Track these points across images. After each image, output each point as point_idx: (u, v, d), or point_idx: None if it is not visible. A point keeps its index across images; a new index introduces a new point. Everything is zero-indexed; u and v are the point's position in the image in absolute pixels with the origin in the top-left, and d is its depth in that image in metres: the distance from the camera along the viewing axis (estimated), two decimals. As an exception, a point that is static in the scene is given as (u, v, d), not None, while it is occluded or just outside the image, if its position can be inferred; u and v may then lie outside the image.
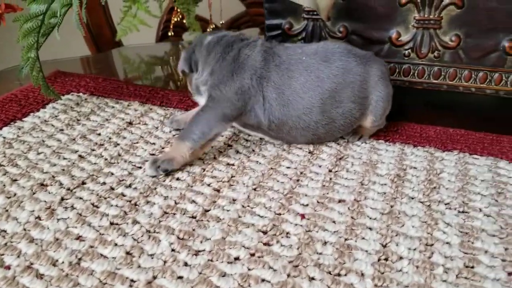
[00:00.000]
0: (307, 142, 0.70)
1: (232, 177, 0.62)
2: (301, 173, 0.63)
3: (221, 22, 1.47)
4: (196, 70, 0.72)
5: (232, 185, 0.60)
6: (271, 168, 0.64)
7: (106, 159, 0.65)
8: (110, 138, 0.71)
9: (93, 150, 0.68)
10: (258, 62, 0.66)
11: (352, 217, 0.54)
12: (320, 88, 0.65)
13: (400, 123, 0.77)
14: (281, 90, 0.65)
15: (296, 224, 0.53)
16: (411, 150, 0.70)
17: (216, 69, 0.68)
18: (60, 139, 0.70)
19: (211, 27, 1.29)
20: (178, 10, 1.19)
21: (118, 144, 0.70)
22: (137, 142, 0.70)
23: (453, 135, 0.74)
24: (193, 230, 0.52)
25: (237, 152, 0.69)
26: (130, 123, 0.77)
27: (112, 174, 0.62)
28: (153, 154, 0.68)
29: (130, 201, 0.56)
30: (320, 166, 0.65)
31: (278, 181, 0.61)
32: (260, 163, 0.66)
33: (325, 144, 0.71)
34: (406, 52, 0.81)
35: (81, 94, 0.88)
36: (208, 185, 0.60)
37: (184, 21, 1.10)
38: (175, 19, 1.17)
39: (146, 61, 1.24)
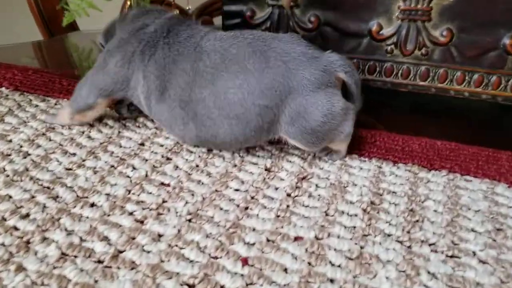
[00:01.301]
0: (195, 143, 0.58)
1: (163, 202, 0.49)
2: (252, 197, 0.50)
3: (188, 8, 1.32)
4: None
5: (160, 215, 0.47)
6: (216, 191, 0.51)
7: (7, 176, 0.52)
8: (21, 147, 0.58)
9: (-6, 162, 0.54)
10: (147, 35, 0.58)
11: (309, 263, 0.42)
12: (205, 80, 0.53)
13: (378, 132, 0.64)
14: (161, 73, 0.55)
15: (235, 273, 0.40)
16: (390, 168, 0.58)
17: (116, 36, 0.60)
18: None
19: (175, 12, 1.14)
20: None
21: (29, 155, 0.56)
22: (53, 152, 0.57)
23: (441, 149, 0.61)
24: (96, 282, 0.38)
25: (176, 167, 0.55)
26: (51, 128, 0.63)
27: (10, 197, 0.48)
28: (69, 169, 0.54)
29: (21, 237, 0.42)
30: (276, 189, 0.52)
31: (221, 209, 0.48)
32: (202, 183, 0.53)
33: (286, 159, 0.58)
34: (389, 48, 0.68)
35: (3, 88, 0.74)
36: (130, 213, 0.47)
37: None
38: (129, 2, 1.02)
39: (97, 49, 1.10)
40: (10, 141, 0.59)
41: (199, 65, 0.54)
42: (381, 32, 0.67)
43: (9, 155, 0.56)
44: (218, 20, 1.56)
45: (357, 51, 0.66)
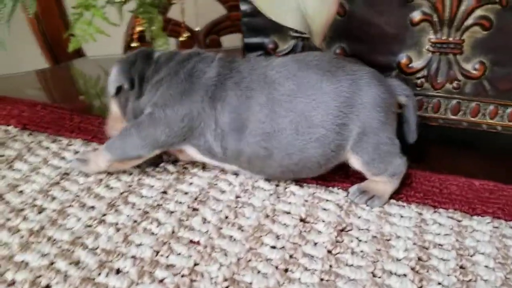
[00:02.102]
0: (276, 175, 0.57)
1: (195, 265, 0.45)
2: (291, 256, 0.47)
3: (197, 29, 1.29)
4: (138, 87, 0.58)
5: (194, 281, 0.43)
6: (250, 249, 0.47)
7: (22, 237, 0.48)
8: (34, 200, 0.53)
9: (8, 220, 0.50)
10: (212, 80, 0.55)
11: None
12: (284, 109, 0.53)
13: (413, 172, 0.61)
14: (237, 113, 0.54)
15: None
16: (431, 215, 0.54)
17: (165, 86, 0.57)
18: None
19: (185, 35, 1.11)
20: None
21: (44, 210, 0.52)
22: (69, 206, 0.53)
23: (480, 190, 0.58)
24: None
25: (205, 220, 0.52)
26: (66, 174, 0.59)
27: (27, 265, 0.44)
28: (89, 226, 0.50)
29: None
30: (315, 244, 0.49)
31: (259, 272, 0.45)
32: (235, 239, 0.49)
33: (321, 207, 0.54)
34: (419, 81, 0.65)
35: (10, 127, 0.70)
36: (161, 281, 0.43)
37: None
38: (139, 29, 0.98)
39: (105, 77, 1.06)
40: (22, 192, 0.55)
41: (274, 95, 0.54)
42: (410, 65, 0.64)
43: (23, 210, 0.52)
44: (225, 40, 1.53)
45: (384, 85, 0.62)
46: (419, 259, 0.47)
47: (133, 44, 1.08)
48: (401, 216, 0.54)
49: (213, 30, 1.58)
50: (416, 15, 0.61)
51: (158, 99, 0.56)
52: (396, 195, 0.57)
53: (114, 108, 0.61)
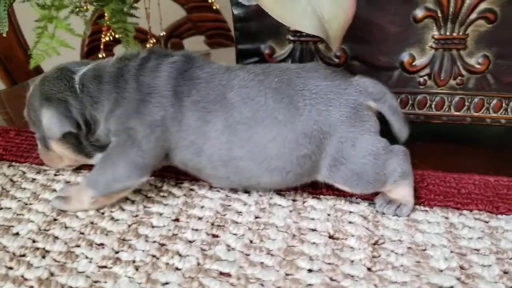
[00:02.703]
0: (240, 188, 0.56)
1: (233, 301, 0.41)
2: (332, 279, 0.44)
3: (161, 34, 1.23)
4: (85, 126, 0.53)
5: (237, 320, 0.39)
6: (286, 275, 0.44)
7: (30, 288, 0.42)
8: (34, 242, 0.47)
9: (10, 269, 0.44)
10: (166, 98, 0.50)
11: None
12: (239, 138, 0.49)
13: (426, 173, 0.59)
14: (195, 136, 0.50)
15: None
16: (457, 218, 0.52)
17: (116, 113, 0.51)
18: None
19: (151, 41, 1.04)
20: (109, 29, 0.95)
21: (47, 253, 0.46)
22: (76, 246, 0.47)
23: (497, 187, 0.57)
24: None
25: (229, 248, 0.47)
26: (61, 211, 0.53)
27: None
28: (103, 267, 0.45)
29: None
30: (352, 262, 0.46)
31: (302, 301, 0.41)
32: (267, 265, 0.45)
33: (347, 221, 0.51)
34: (422, 79, 0.64)
35: (-15, 159, 0.62)
36: (201, 324, 0.39)
37: (119, 40, 0.86)
38: (107, 39, 0.92)
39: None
40: (18, 234, 0.49)
41: (230, 122, 0.49)
42: (413, 63, 0.62)
43: (24, 255, 0.46)
44: (187, 42, 1.47)
45: (387, 85, 0.60)
46: (461, 267, 0.45)
47: (100, 55, 1.01)
48: (429, 222, 0.52)
49: (174, 33, 1.52)
50: (420, 12, 0.59)
51: (116, 126, 0.51)
52: (416, 199, 0.55)
53: (58, 148, 0.55)
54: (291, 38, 0.63)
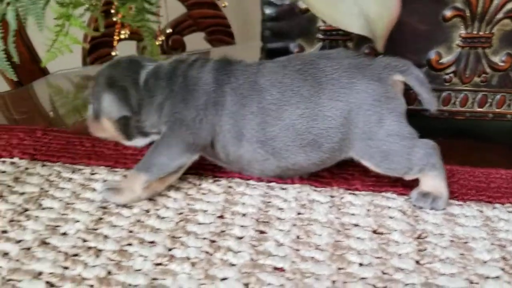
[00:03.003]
0: (276, 175, 0.58)
1: None
2: (384, 272, 0.45)
3: (169, 31, 1.23)
4: (138, 114, 0.57)
5: (300, 314, 0.40)
6: (339, 269, 0.45)
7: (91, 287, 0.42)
8: (84, 241, 0.48)
9: (66, 269, 0.44)
10: (210, 86, 0.55)
11: None
12: (272, 117, 0.54)
13: (453, 168, 0.61)
14: (234, 119, 0.54)
15: None
16: (492, 211, 0.54)
17: (167, 103, 0.56)
18: (8, 253, 0.45)
19: (160, 39, 1.03)
20: (123, 25, 0.94)
21: (100, 252, 0.46)
22: (128, 244, 0.48)
23: (524, 181, 0.60)
24: None
25: (278, 243, 0.48)
26: (104, 207, 0.53)
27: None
28: (159, 265, 0.45)
29: None
30: (400, 256, 0.47)
31: (359, 293, 0.43)
32: (318, 260, 0.46)
33: (388, 216, 0.53)
34: (448, 76, 0.66)
35: (16, 159, 0.62)
36: (266, 318, 0.40)
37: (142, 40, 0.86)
38: (122, 37, 0.91)
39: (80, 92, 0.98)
40: (66, 234, 0.49)
41: (263, 104, 0.54)
42: (440, 61, 0.64)
43: (77, 255, 0.46)
44: (188, 39, 1.47)
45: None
46: (504, 258, 0.47)
47: (113, 53, 1.01)
48: (465, 216, 0.54)
49: (175, 30, 1.52)
50: (449, 11, 0.61)
51: (167, 116, 0.56)
52: (450, 194, 0.56)
53: (108, 126, 0.59)
54: (321, 36, 0.64)
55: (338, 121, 0.52)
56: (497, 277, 0.45)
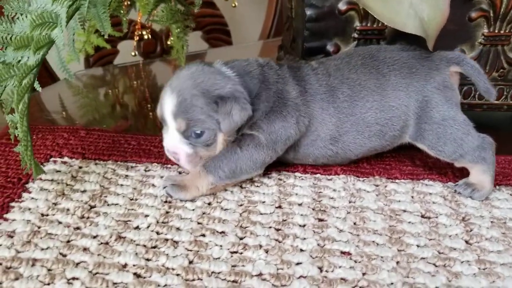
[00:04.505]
0: (333, 163, 0.63)
1: (363, 275, 0.46)
2: (440, 252, 0.50)
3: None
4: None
5: (376, 291, 0.44)
6: (399, 251, 0.49)
7: (179, 276, 0.45)
8: (158, 234, 0.50)
9: (149, 260, 0.47)
10: (297, 100, 0.58)
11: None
12: (345, 114, 0.58)
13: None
14: (314, 125, 0.59)
15: None
16: (522, 194, 0.60)
17: (260, 110, 0.57)
18: (88, 248, 0.48)
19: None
20: (143, 27, 0.96)
21: (176, 243, 0.49)
22: (201, 235, 0.51)
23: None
24: None
25: (339, 230, 0.52)
26: (168, 202, 0.56)
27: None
28: (234, 252, 0.49)
29: None
30: (450, 237, 0.52)
31: (424, 272, 0.47)
32: (378, 244, 0.50)
33: (431, 201, 0.58)
34: (470, 72, 0.71)
35: (66, 158, 0.64)
36: (346, 296, 0.44)
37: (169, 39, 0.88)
38: (146, 37, 0.93)
39: (104, 93, 0.99)
40: (138, 228, 0.51)
41: (337, 103, 0.58)
42: (464, 58, 0.69)
43: (155, 247, 0.49)
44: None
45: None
46: (541, 235, 0.53)
47: (132, 53, 1.02)
48: (498, 199, 0.59)
49: (173, 29, 1.53)
50: (475, 12, 0.66)
51: (260, 124, 0.57)
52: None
53: (221, 139, 0.57)
54: (356, 36, 0.68)
55: (401, 110, 0.57)
56: (539, 252, 0.50)
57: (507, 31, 0.67)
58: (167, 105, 0.55)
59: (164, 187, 0.56)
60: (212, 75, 0.56)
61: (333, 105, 0.58)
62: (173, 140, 0.57)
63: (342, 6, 0.65)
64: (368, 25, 0.67)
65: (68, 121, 0.84)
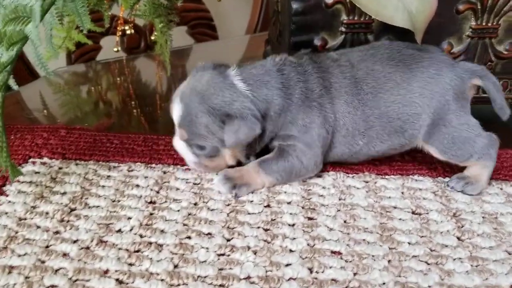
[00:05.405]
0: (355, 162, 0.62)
1: (355, 275, 0.45)
2: (432, 250, 0.49)
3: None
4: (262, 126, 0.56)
5: (368, 292, 0.43)
6: (390, 249, 0.48)
7: (167, 283, 0.43)
8: (142, 237, 0.49)
9: (131, 266, 0.45)
10: (321, 97, 0.57)
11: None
12: (369, 107, 0.57)
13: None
14: (341, 120, 0.57)
15: None
16: (511, 188, 0.59)
17: (286, 115, 0.57)
18: (68, 253, 0.46)
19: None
20: (125, 22, 0.93)
21: (161, 246, 0.47)
22: (187, 237, 0.49)
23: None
24: None
25: (329, 228, 0.51)
26: (152, 202, 0.54)
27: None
28: (222, 255, 0.47)
29: None
30: (442, 233, 0.51)
31: (415, 270, 0.46)
32: (369, 242, 0.49)
33: (421, 197, 0.57)
34: (458, 65, 0.70)
35: (45, 159, 0.61)
36: (338, 298, 0.43)
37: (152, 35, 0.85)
38: (128, 32, 0.91)
39: (86, 90, 0.97)
40: (121, 231, 0.49)
41: (361, 96, 0.57)
42: (452, 51, 0.68)
43: (139, 251, 0.47)
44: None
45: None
46: (532, 230, 0.52)
47: (115, 49, 1.00)
48: (489, 194, 0.58)
49: (157, 24, 1.50)
50: (462, 5, 0.65)
51: (287, 131, 0.57)
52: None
53: (230, 154, 0.58)
54: (344, 29, 0.66)
55: (423, 108, 0.56)
56: (532, 247, 0.50)
57: (494, 23, 0.67)
58: (175, 111, 0.56)
59: (234, 187, 0.55)
60: (222, 90, 0.54)
61: (357, 97, 0.56)
62: (179, 145, 0.58)
63: (328, -1, 0.64)
64: (355, 18, 0.65)
65: (50, 119, 0.81)
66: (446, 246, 0.49)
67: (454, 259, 0.48)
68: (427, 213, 0.54)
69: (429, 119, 0.57)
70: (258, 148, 0.59)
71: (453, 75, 0.57)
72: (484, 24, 0.67)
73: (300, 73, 0.57)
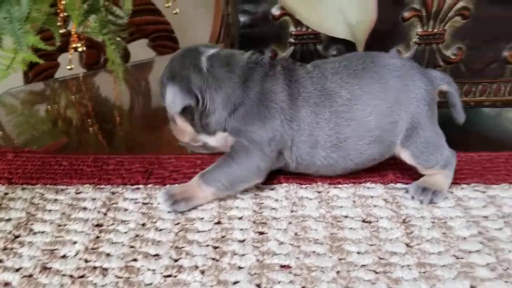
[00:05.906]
0: (335, 174, 0.61)
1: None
2: (380, 258, 0.49)
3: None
4: (202, 102, 0.57)
5: (315, 306, 0.43)
6: (340, 260, 0.48)
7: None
8: (87, 262, 0.47)
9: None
10: (285, 102, 0.57)
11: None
12: (345, 119, 0.57)
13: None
14: (310, 130, 0.57)
15: None
16: (461, 191, 0.60)
17: (240, 108, 0.57)
18: (9, 283, 0.44)
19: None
20: (79, 38, 0.92)
21: (106, 271, 0.46)
22: (133, 260, 0.48)
23: (481, 162, 0.66)
24: None
25: (279, 242, 0.51)
26: (98, 225, 0.53)
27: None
28: (168, 276, 0.46)
29: None
30: (391, 240, 0.51)
31: (363, 280, 0.46)
32: (318, 254, 0.49)
33: (372, 205, 0.57)
34: (407, 71, 0.71)
35: (-9, 185, 0.60)
36: (284, 314, 0.42)
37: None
38: (80, 49, 0.89)
39: (43, 109, 0.95)
40: (65, 257, 0.48)
41: (335, 108, 0.56)
42: (400, 58, 0.69)
43: (83, 276, 0.45)
44: (132, 47, 1.44)
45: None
46: (480, 233, 0.52)
47: (68, 67, 0.98)
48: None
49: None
50: (407, 12, 0.66)
51: (239, 125, 0.57)
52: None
53: (180, 122, 0.59)
54: (293, 41, 0.67)
55: (401, 116, 0.56)
56: (478, 251, 0.50)
57: (440, 29, 0.68)
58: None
59: (174, 203, 0.55)
60: (185, 62, 0.57)
61: (329, 109, 0.56)
62: None
63: (275, 11, 0.64)
64: (304, 29, 0.66)
65: (6, 141, 0.79)
66: (395, 253, 0.49)
67: (403, 267, 0.48)
68: (377, 221, 0.54)
69: (408, 124, 0.57)
70: (200, 129, 0.59)
71: (427, 81, 0.58)
72: (430, 30, 0.68)
73: (266, 74, 0.57)
